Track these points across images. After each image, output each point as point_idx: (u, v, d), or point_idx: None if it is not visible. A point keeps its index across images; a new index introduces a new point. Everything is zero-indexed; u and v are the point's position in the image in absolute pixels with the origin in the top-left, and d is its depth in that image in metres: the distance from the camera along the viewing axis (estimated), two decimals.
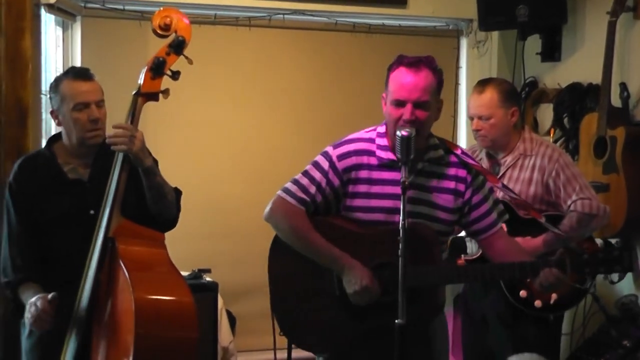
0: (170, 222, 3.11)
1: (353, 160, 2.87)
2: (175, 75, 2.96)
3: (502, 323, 3.65)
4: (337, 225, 2.88)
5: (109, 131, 2.94)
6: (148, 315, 2.67)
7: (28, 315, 2.83)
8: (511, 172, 3.66)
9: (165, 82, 2.96)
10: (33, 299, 2.83)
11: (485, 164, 3.73)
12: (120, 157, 2.88)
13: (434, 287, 2.77)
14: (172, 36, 2.95)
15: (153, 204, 3.02)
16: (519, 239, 3.38)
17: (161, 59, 2.92)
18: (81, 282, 2.87)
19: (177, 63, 2.95)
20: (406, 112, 2.75)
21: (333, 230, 2.86)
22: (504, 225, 3.30)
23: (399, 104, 2.77)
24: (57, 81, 3.09)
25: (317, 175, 2.88)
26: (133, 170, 2.92)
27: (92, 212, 2.97)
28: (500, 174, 3.67)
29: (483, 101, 3.64)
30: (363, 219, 2.86)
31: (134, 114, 2.92)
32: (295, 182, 2.91)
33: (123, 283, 2.74)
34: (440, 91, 2.85)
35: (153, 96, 2.95)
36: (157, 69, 2.92)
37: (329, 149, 2.92)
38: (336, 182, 2.87)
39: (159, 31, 2.94)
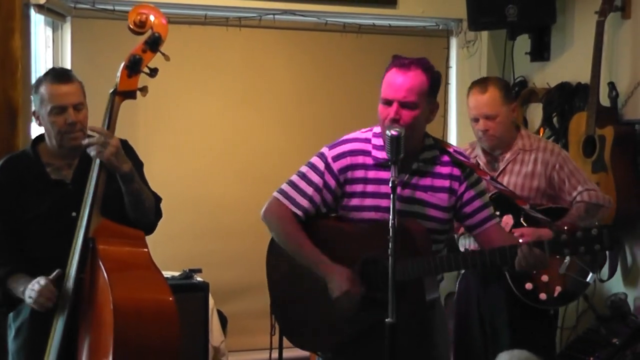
0: (147, 228, 3.07)
1: (348, 160, 2.88)
2: (152, 72, 2.92)
3: (501, 317, 3.67)
4: (329, 225, 2.90)
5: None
6: (127, 315, 2.68)
7: (31, 294, 2.83)
8: (512, 167, 3.71)
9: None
10: (36, 279, 2.84)
11: (482, 160, 3.76)
12: (97, 160, 2.88)
13: (422, 282, 2.79)
14: (148, 33, 2.91)
15: (131, 210, 3.01)
16: (527, 230, 3.46)
17: (137, 56, 2.89)
18: (63, 283, 2.87)
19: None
20: (391, 110, 2.77)
21: (325, 230, 2.88)
22: (510, 218, 3.38)
23: (387, 102, 2.80)
24: (38, 82, 3.07)
25: (313, 177, 2.90)
26: (115, 174, 2.92)
27: (74, 214, 2.95)
28: (501, 169, 3.71)
29: (488, 100, 3.67)
30: (359, 218, 2.87)
31: (111, 113, 2.90)
32: (292, 184, 2.92)
33: (103, 283, 2.74)
34: (434, 93, 2.85)
35: (130, 94, 2.92)
36: (133, 66, 2.89)
37: (325, 149, 2.93)
38: (332, 183, 2.88)
39: (134, 28, 2.91)
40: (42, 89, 3.01)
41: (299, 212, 2.89)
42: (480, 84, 3.75)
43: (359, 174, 2.87)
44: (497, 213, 3.09)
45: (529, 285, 3.56)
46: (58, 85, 3.00)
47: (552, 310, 3.77)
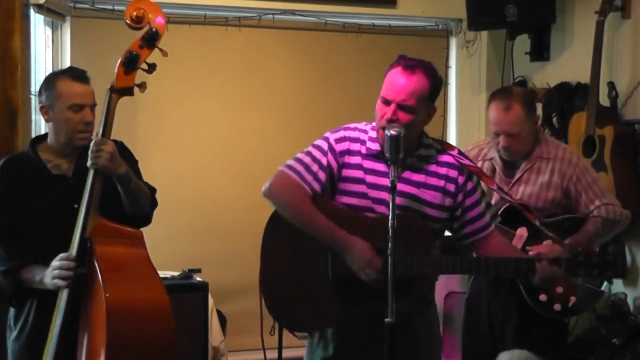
0: (144, 220, 3.11)
1: (347, 145, 2.91)
2: (150, 68, 2.92)
3: (511, 323, 3.65)
4: (337, 207, 2.89)
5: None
6: (120, 316, 2.68)
7: (53, 272, 2.84)
8: (528, 176, 3.61)
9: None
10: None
11: (498, 165, 3.69)
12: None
13: (421, 279, 2.81)
14: (146, 28, 2.90)
15: (128, 207, 3.04)
16: (543, 247, 3.39)
17: (134, 52, 2.89)
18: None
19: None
20: (389, 111, 2.79)
21: (333, 211, 2.86)
22: (525, 230, 3.40)
23: (385, 102, 2.82)
24: (54, 78, 3.08)
25: (318, 154, 2.90)
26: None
27: (76, 206, 2.95)
28: (517, 177, 3.63)
29: (512, 118, 3.53)
30: (350, 204, 2.88)
31: (108, 110, 2.91)
32: (298, 160, 2.92)
33: (97, 284, 2.75)
34: (433, 98, 2.86)
35: (127, 91, 2.92)
36: (130, 63, 2.89)
37: (327, 133, 2.96)
38: (334, 164, 2.90)
39: (131, 23, 2.89)
40: (60, 85, 3.03)
41: (306, 187, 2.87)
42: (503, 99, 3.56)
43: (355, 160, 2.90)
44: (495, 222, 3.06)
45: (543, 297, 3.49)
46: (79, 84, 3.04)
47: (567, 319, 3.75)
